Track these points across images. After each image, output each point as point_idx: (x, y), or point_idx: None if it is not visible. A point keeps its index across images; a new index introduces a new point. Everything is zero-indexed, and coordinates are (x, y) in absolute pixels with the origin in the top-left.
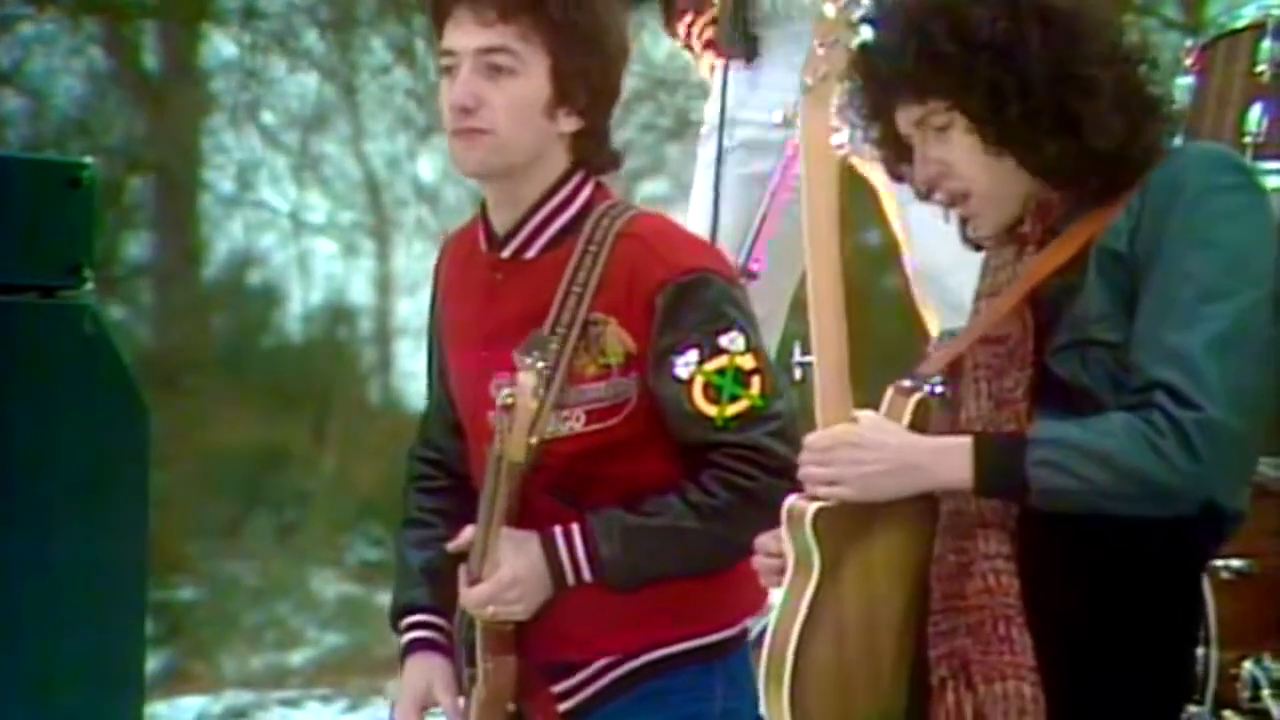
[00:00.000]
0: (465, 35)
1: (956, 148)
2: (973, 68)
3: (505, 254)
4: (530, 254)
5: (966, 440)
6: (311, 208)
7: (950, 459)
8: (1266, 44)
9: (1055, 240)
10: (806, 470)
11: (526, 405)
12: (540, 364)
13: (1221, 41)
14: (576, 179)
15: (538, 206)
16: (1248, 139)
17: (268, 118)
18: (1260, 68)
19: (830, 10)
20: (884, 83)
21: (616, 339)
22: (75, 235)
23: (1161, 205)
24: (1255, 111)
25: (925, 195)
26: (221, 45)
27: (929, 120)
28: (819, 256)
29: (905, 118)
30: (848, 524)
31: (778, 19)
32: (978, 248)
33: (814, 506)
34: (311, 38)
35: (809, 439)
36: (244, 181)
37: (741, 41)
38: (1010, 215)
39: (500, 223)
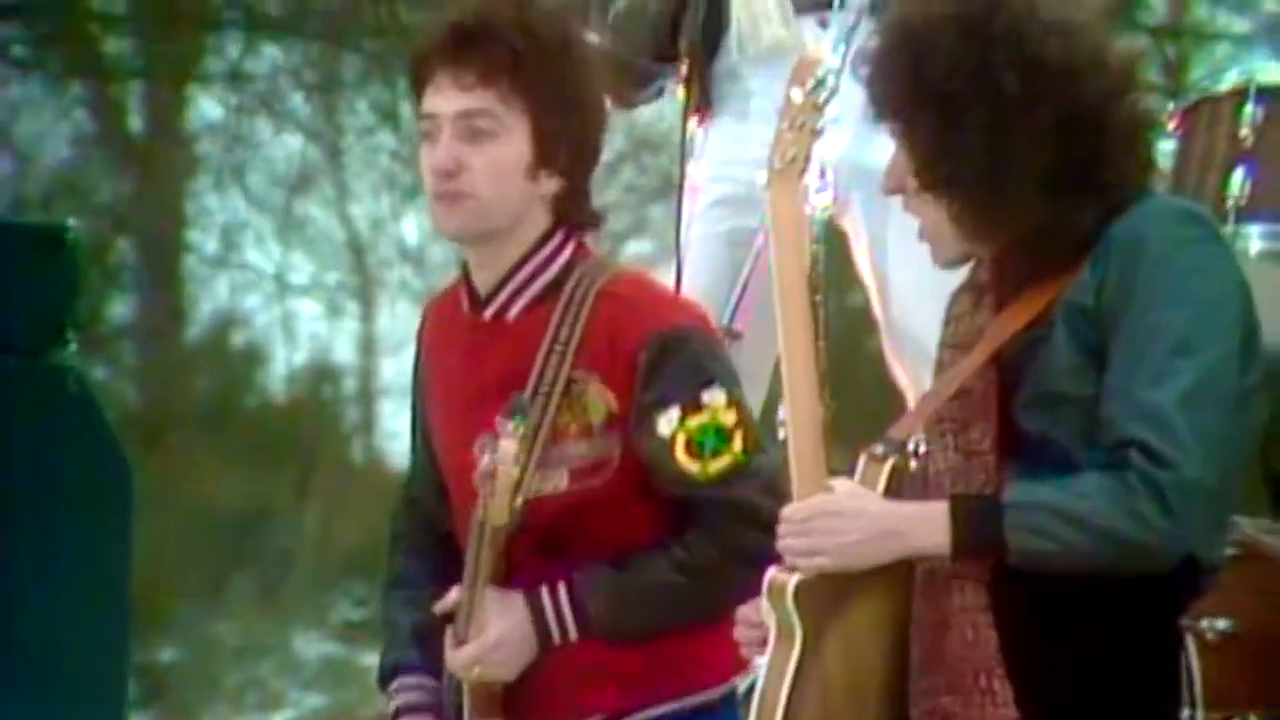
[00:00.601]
0: (445, 99)
1: (913, 184)
2: (927, 109)
3: (487, 315)
4: (512, 314)
5: (943, 506)
6: (296, 268)
7: (928, 525)
8: (1249, 108)
9: (1019, 298)
10: (785, 542)
11: (508, 471)
12: (521, 430)
13: (1204, 105)
14: (558, 238)
15: (519, 267)
16: (1230, 201)
17: (253, 179)
18: (1243, 131)
19: (797, 95)
20: (869, 87)
21: (599, 397)
22: (59, 297)
23: (1127, 260)
24: (1238, 174)
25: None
26: (207, 108)
27: (900, 144)
28: (792, 337)
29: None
30: (827, 593)
31: (757, 67)
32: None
33: (794, 580)
34: (297, 100)
35: (786, 511)
36: (228, 242)
37: (707, 94)
38: (954, 255)
39: (482, 283)
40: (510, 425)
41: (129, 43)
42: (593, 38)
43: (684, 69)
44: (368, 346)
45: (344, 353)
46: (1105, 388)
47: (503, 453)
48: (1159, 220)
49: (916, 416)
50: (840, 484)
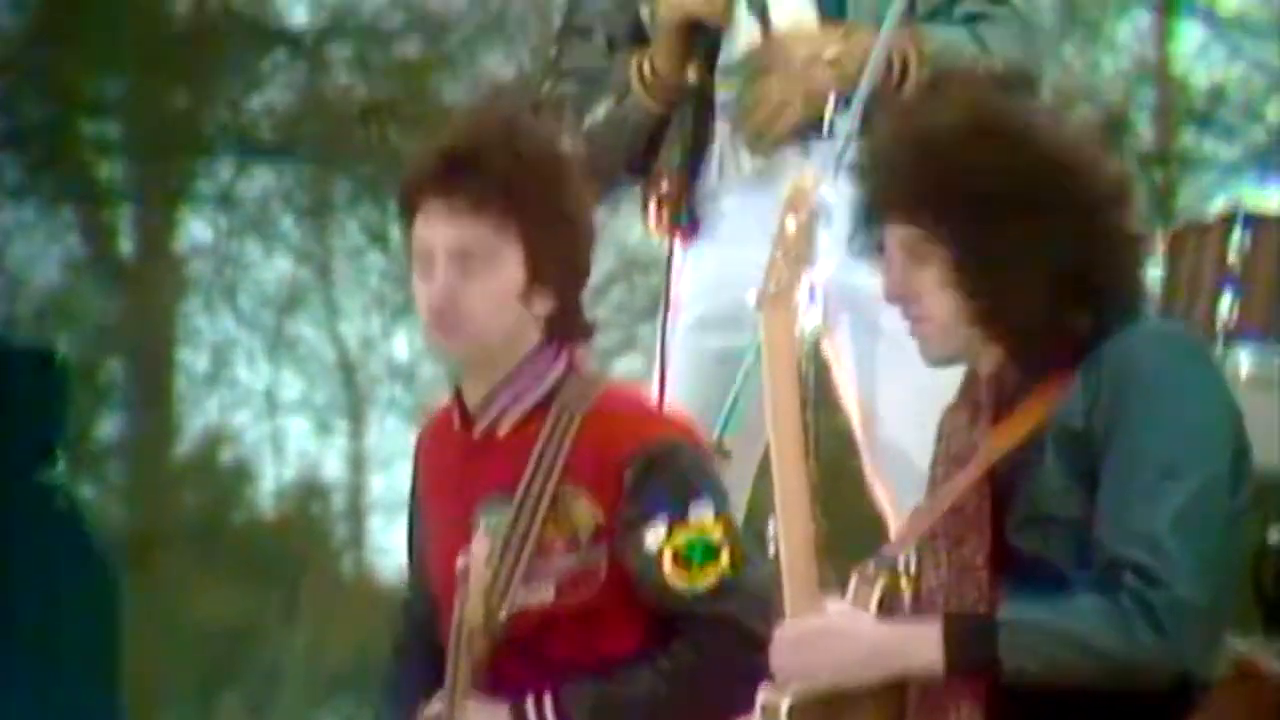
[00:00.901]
0: (439, 231)
1: (928, 279)
2: (982, 210)
3: (477, 432)
4: (502, 430)
5: (935, 625)
6: (286, 386)
7: (921, 644)
8: (1237, 234)
9: (1011, 417)
10: (779, 662)
11: (480, 571)
12: (495, 529)
13: (1192, 230)
14: (549, 354)
15: (508, 383)
16: (1219, 325)
17: (243, 299)
18: (1231, 257)
19: (791, 223)
20: (882, 192)
21: (586, 511)
22: (48, 418)
23: (1118, 383)
24: (1226, 298)
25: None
26: (198, 230)
27: (911, 246)
28: (785, 459)
29: (891, 234)
30: (821, 714)
31: (747, 197)
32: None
33: (787, 702)
34: (288, 223)
35: (779, 631)
36: (219, 361)
37: (691, 214)
38: (956, 351)
39: (472, 400)
40: (483, 525)
41: (121, 167)
42: (565, 141)
43: (665, 186)
44: (357, 463)
45: (333, 469)
46: (1097, 509)
47: (475, 553)
48: (1150, 344)
49: (909, 532)
50: (833, 604)
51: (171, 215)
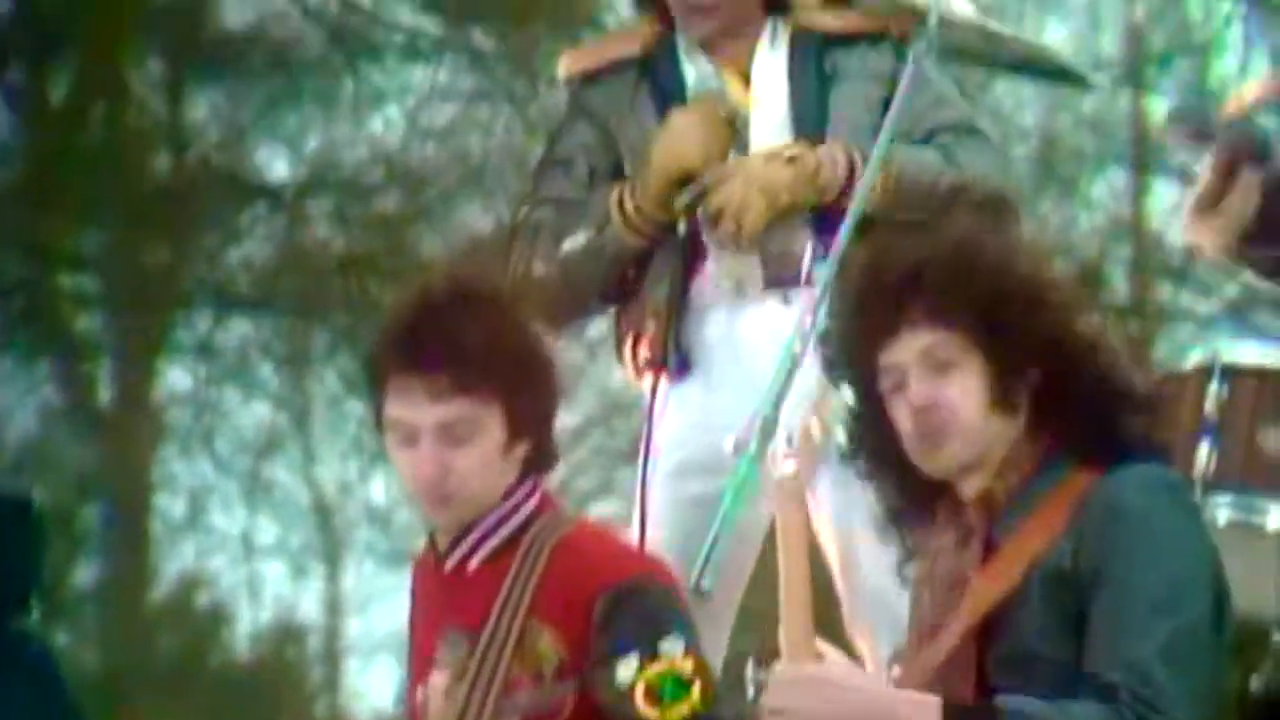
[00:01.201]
0: (420, 410)
1: (958, 386)
2: (1021, 318)
3: (448, 567)
4: (472, 566)
5: (937, 699)
6: (262, 530)
7: (922, 712)
8: (1214, 386)
9: (1001, 555)
10: (774, 702)
11: (438, 705)
12: (452, 661)
13: (1170, 381)
14: (521, 492)
15: (481, 519)
16: (1198, 473)
17: (220, 445)
18: (1208, 407)
19: (815, 427)
20: (894, 304)
21: (552, 647)
22: (22, 567)
23: (1105, 525)
24: (1204, 448)
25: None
26: (176, 378)
27: (935, 352)
28: (793, 623)
29: (906, 346)
30: None
31: (728, 343)
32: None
33: None
34: (266, 371)
35: (778, 671)
36: (195, 506)
37: (675, 355)
38: (976, 459)
39: (445, 535)
40: (441, 658)
41: (99, 320)
42: (538, 265)
43: (650, 326)
44: (333, 606)
45: (309, 612)
46: (1088, 646)
47: (434, 685)
48: (1136, 487)
49: (905, 682)
50: (831, 653)
51: (150, 365)
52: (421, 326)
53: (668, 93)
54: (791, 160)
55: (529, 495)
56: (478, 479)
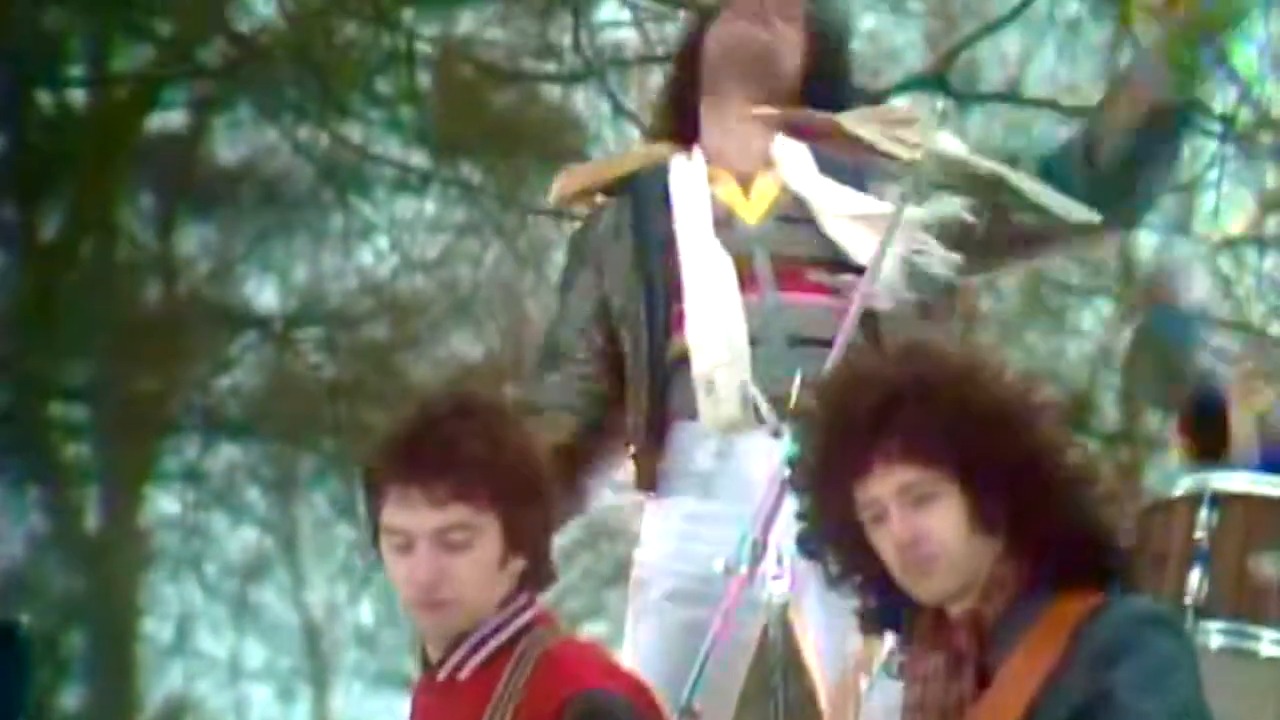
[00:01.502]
0: (419, 516)
1: (940, 518)
2: (995, 450)
3: (440, 677)
4: (464, 675)
5: None
6: (249, 654)
7: None
8: (1203, 513)
9: (999, 687)
10: None
11: None
12: None
13: (1159, 508)
14: (517, 604)
15: (474, 630)
16: (1188, 600)
17: (208, 569)
18: (1198, 534)
19: None
20: (866, 443)
21: None
22: (8, 692)
23: (1104, 660)
24: (1195, 575)
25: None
26: (164, 504)
27: (913, 489)
28: None
29: (883, 483)
30: None
31: (718, 470)
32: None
33: None
34: (254, 495)
35: None
36: (182, 630)
37: (645, 479)
38: (965, 584)
39: (435, 648)
40: None
41: (87, 447)
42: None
43: (630, 449)
44: None
45: None
46: None
47: None
48: (1133, 622)
49: None
50: None
51: (137, 491)
52: (422, 436)
53: (649, 233)
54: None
55: (525, 607)
56: (473, 588)
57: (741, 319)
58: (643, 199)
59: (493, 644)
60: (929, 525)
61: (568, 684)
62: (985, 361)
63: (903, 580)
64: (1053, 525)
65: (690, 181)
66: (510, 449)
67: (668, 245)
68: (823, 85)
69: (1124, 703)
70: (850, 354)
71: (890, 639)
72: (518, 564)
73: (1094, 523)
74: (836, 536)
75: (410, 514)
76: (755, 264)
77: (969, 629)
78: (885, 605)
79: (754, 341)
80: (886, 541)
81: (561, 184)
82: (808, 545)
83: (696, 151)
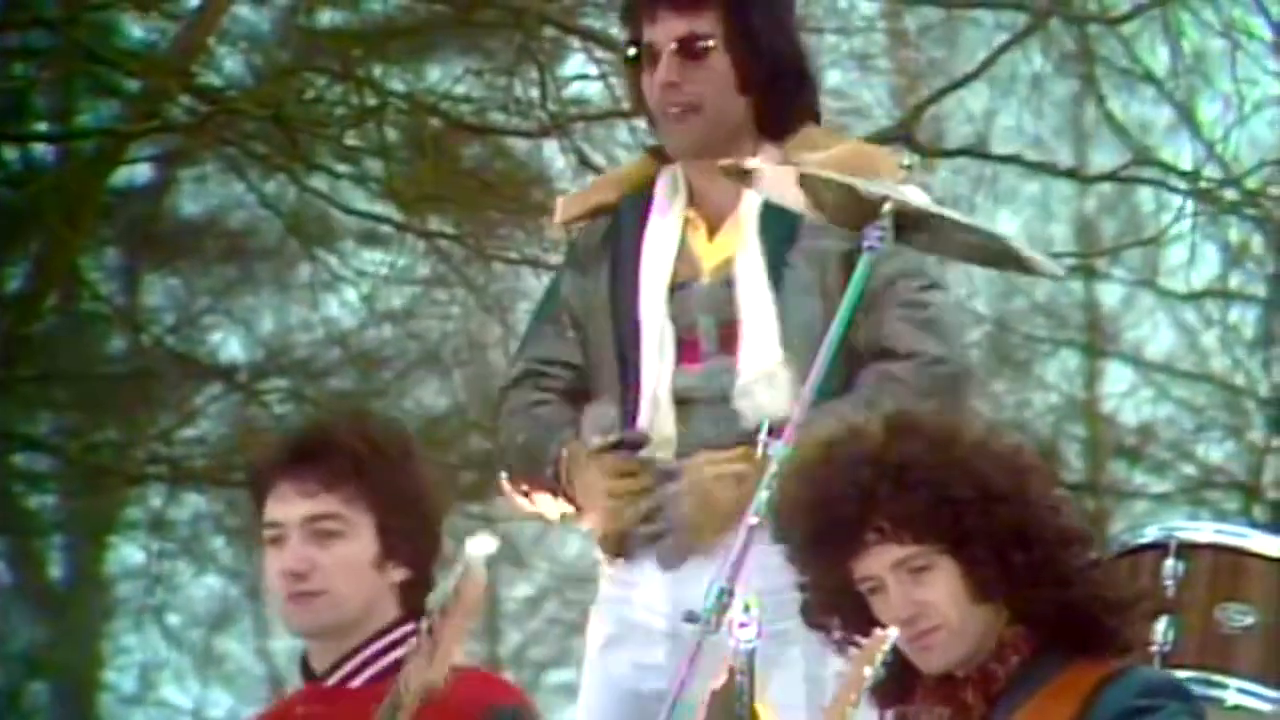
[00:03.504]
0: (290, 506)
1: (938, 589)
2: (985, 523)
3: (331, 682)
4: (356, 683)
5: None
6: (214, 703)
7: None
8: (1169, 562)
9: None
10: None
11: None
12: None
13: (1126, 557)
14: (407, 627)
15: (365, 645)
16: (1155, 649)
17: (172, 619)
18: (1165, 584)
19: (869, 673)
20: (853, 526)
21: None
22: None
23: None
24: (1161, 625)
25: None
26: (128, 553)
27: (907, 563)
28: None
29: (878, 559)
30: None
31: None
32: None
33: None
34: (218, 544)
35: None
36: (146, 680)
37: (613, 545)
38: (970, 652)
39: (320, 664)
40: None
41: (51, 498)
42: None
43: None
44: None
45: None
46: None
47: None
48: (1150, 694)
49: None
50: None
51: (101, 541)
52: (302, 436)
53: (623, 251)
54: (740, 481)
55: (415, 630)
56: (341, 580)
57: (668, 390)
58: (624, 226)
59: (385, 660)
60: (927, 598)
61: (490, 696)
62: (969, 429)
63: (911, 656)
64: (1051, 588)
65: (663, 225)
66: (389, 455)
67: (634, 284)
68: (766, 84)
69: None
70: (837, 429)
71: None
72: (397, 573)
73: (1091, 583)
74: (837, 607)
75: (283, 505)
76: (699, 330)
77: (976, 686)
78: (892, 672)
79: (689, 402)
80: (889, 614)
81: (560, 209)
82: (810, 616)
83: (679, 175)
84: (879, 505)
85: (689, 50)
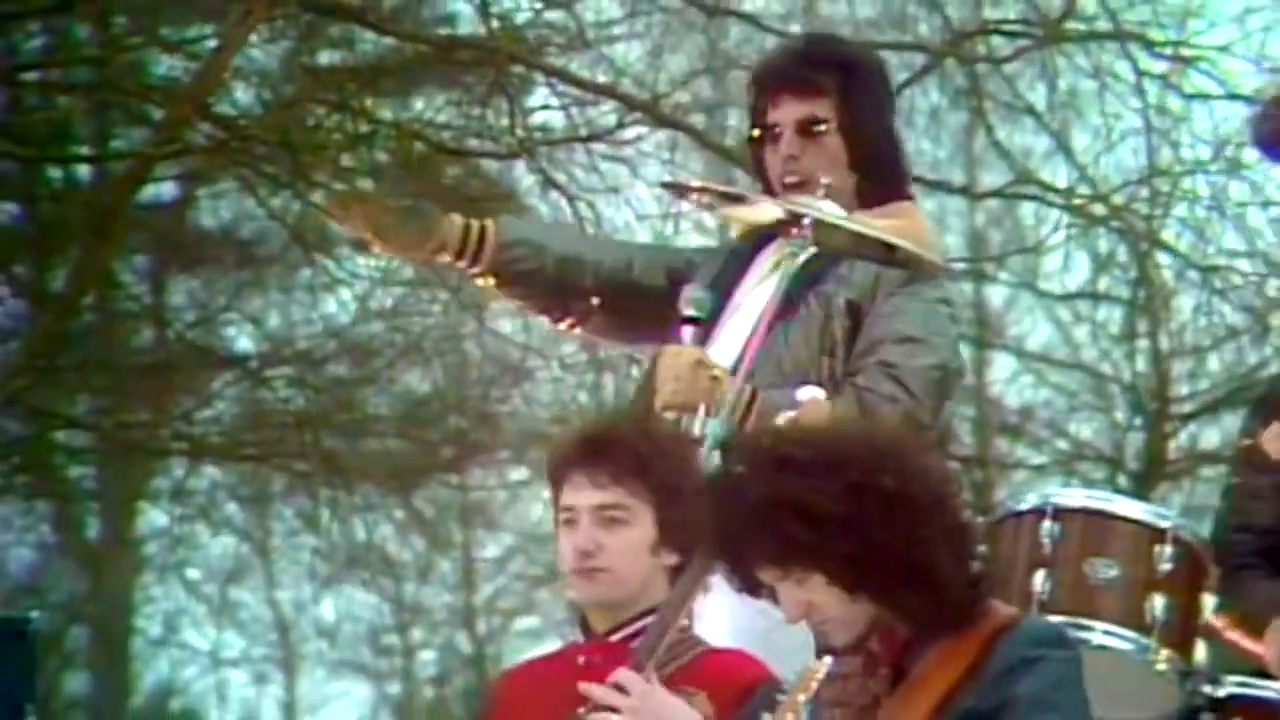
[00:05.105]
0: (582, 495)
1: (817, 592)
2: (828, 545)
3: (615, 639)
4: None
5: None
6: (228, 645)
7: None
8: (1046, 524)
9: (910, 688)
10: None
11: None
12: None
13: (1009, 520)
14: None
15: (639, 618)
16: (1034, 599)
17: (192, 573)
18: (1043, 543)
19: None
20: (741, 556)
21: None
22: (19, 680)
23: (1012, 671)
24: (1039, 577)
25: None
26: (155, 517)
27: (788, 577)
28: None
29: (766, 574)
30: None
31: None
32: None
33: None
34: (232, 509)
35: None
36: (170, 626)
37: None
38: (861, 632)
39: (600, 625)
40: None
41: (89, 470)
42: None
43: None
44: (290, 709)
45: (269, 714)
46: None
47: None
48: (1036, 640)
49: None
50: None
51: (131, 507)
52: (595, 434)
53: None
54: (715, 379)
55: None
56: (623, 561)
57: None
58: (731, 263)
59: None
60: (810, 599)
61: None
62: (850, 457)
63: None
64: (926, 590)
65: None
66: (668, 454)
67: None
68: (869, 162)
69: (1025, 714)
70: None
71: None
72: (670, 558)
73: (964, 580)
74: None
75: (576, 493)
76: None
77: (881, 635)
78: None
79: None
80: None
81: (736, 212)
82: (738, 588)
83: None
84: (746, 544)
85: (807, 131)
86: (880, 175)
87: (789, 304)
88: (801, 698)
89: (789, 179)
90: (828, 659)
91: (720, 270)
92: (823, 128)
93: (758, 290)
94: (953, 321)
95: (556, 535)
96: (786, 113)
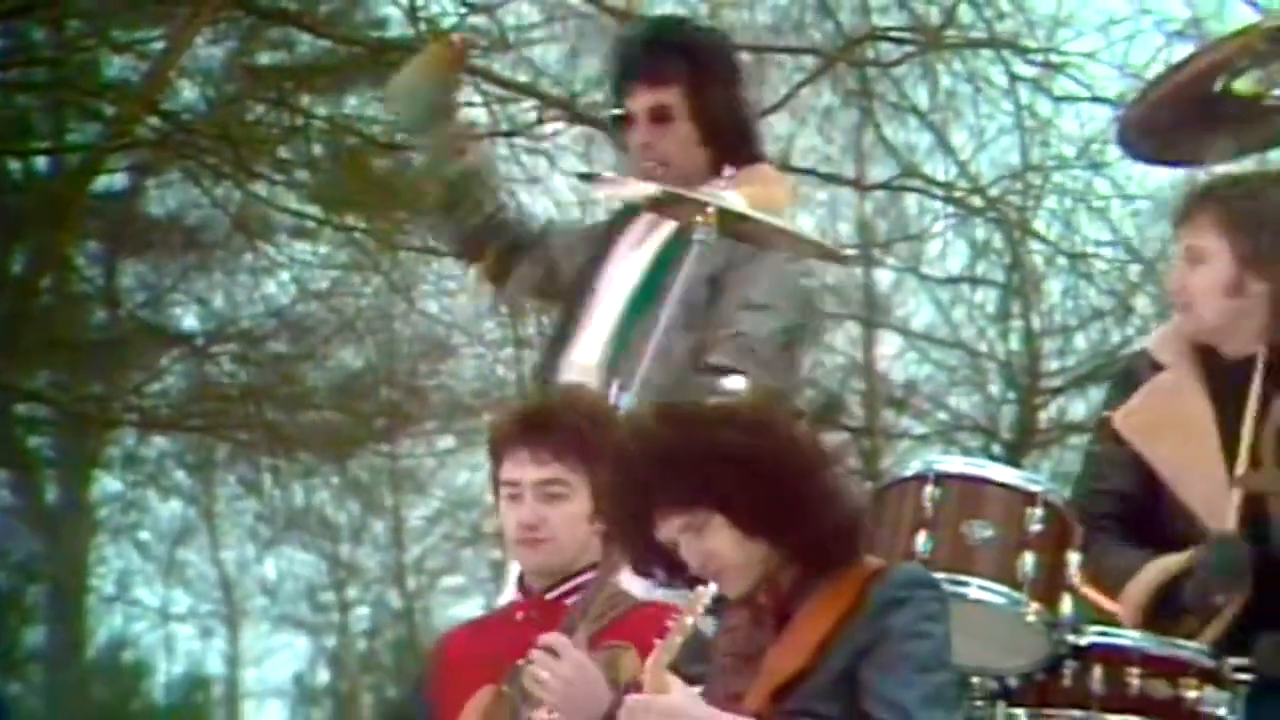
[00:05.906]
0: (526, 470)
1: (717, 536)
2: (730, 484)
3: (549, 597)
4: (568, 602)
5: None
6: (176, 601)
7: None
8: (929, 489)
9: (792, 631)
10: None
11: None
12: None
13: (895, 485)
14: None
15: (576, 575)
16: (917, 557)
17: (142, 535)
18: (925, 505)
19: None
20: (643, 503)
21: (631, 663)
22: None
23: (882, 610)
24: (921, 537)
25: (665, 583)
26: (108, 483)
27: (689, 526)
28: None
29: (668, 527)
30: None
31: None
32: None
33: None
34: (180, 476)
35: (628, 702)
36: (122, 584)
37: None
38: (754, 580)
39: (539, 580)
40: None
41: (46, 439)
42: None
43: None
44: (234, 660)
45: (214, 666)
46: (862, 694)
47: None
48: (906, 583)
49: None
50: (677, 686)
51: (86, 474)
52: (537, 413)
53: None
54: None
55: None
56: (565, 531)
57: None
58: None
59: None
60: (708, 547)
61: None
62: (733, 413)
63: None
64: (800, 526)
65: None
66: (602, 429)
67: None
68: (718, 139)
69: (892, 643)
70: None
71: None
72: (599, 524)
73: (843, 519)
74: (658, 558)
75: (519, 468)
76: None
77: (766, 586)
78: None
79: None
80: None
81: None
82: (638, 567)
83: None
84: (656, 491)
85: (658, 118)
86: (733, 147)
87: (664, 291)
88: (689, 620)
89: (645, 164)
90: (712, 585)
91: (592, 251)
92: (673, 114)
93: (620, 273)
94: (805, 276)
95: (497, 506)
96: (639, 102)
